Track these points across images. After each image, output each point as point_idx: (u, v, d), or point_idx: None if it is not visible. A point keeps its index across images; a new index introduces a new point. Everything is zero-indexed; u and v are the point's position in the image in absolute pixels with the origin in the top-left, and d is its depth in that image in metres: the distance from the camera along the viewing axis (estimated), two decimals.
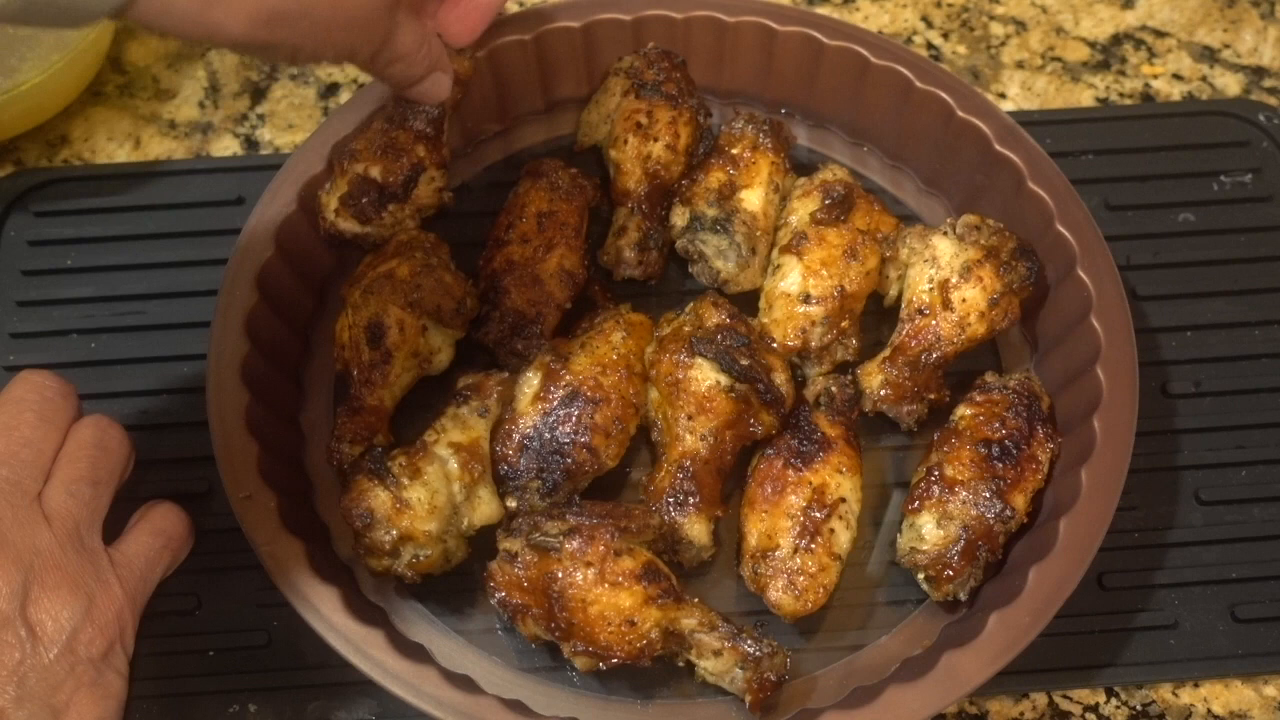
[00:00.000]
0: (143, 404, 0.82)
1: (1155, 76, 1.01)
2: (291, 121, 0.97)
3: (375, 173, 0.79)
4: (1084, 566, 0.69)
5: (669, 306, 0.83)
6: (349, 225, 0.79)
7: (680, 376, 0.75)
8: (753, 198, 0.82)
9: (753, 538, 0.73)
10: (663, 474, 0.75)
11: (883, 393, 0.78)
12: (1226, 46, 1.02)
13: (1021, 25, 1.03)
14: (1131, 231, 0.90)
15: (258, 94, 0.98)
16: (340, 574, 0.72)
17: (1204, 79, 1.01)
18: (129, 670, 0.66)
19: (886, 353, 0.79)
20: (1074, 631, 0.75)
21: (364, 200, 0.78)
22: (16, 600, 0.61)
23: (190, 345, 0.83)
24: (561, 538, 0.68)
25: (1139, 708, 0.76)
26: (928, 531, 0.73)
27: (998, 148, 0.83)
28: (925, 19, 1.04)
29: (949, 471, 0.73)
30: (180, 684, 0.73)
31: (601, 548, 0.68)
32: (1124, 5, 1.05)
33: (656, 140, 0.81)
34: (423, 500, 0.69)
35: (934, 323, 0.77)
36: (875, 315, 0.84)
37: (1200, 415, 0.83)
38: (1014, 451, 0.74)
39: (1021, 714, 0.76)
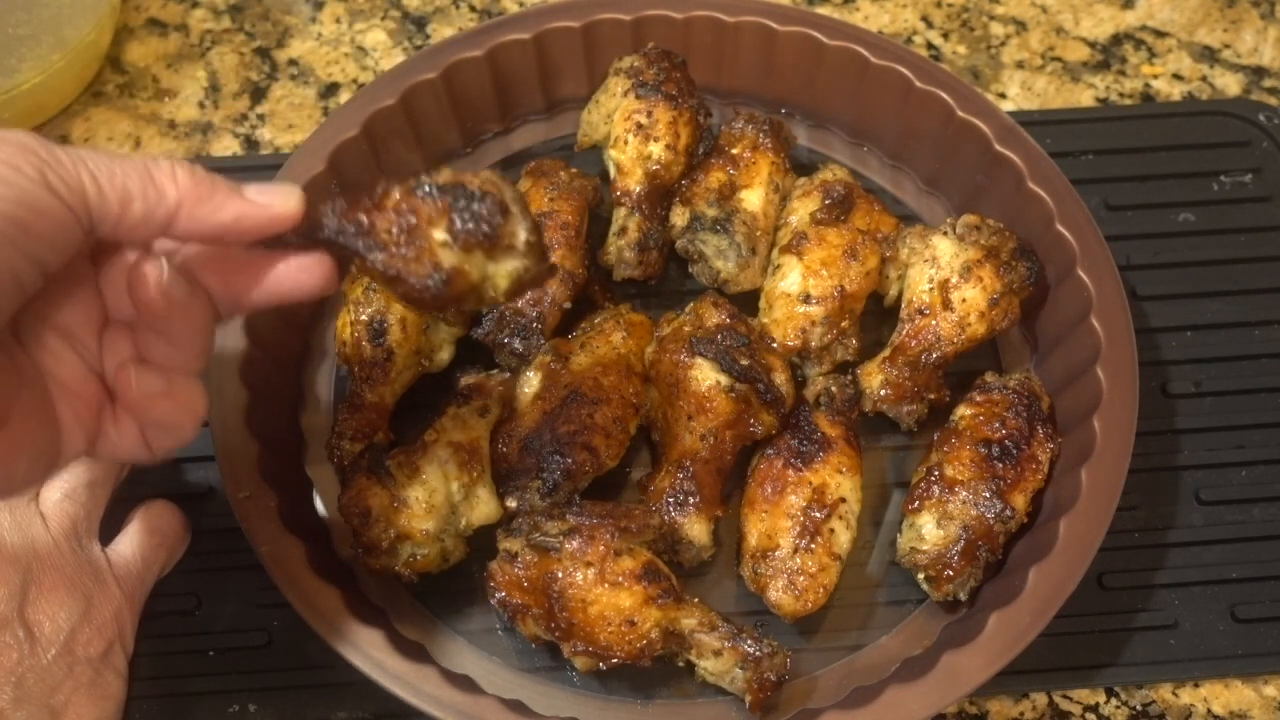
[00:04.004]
0: None
1: (1155, 76, 1.01)
2: (291, 121, 0.96)
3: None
4: (1084, 566, 0.69)
5: (669, 306, 0.83)
6: None
7: (680, 376, 0.75)
8: (753, 198, 0.82)
9: (753, 538, 0.73)
10: (663, 474, 0.75)
11: (883, 393, 0.78)
12: (1226, 46, 1.02)
13: (1021, 25, 1.03)
14: (1131, 231, 0.90)
15: (258, 94, 0.98)
16: (340, 574, 0.72)
17: (1204, 79, 1.00)
18: (128, 670, 0.66)
19: (886, 353, 0.79)
20: (1074, 631, 0.75)
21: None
22: (14, 601, 0.61)
23: None
24: (561, 538, 0.68)
25: (1139, 708, 0.76)
26: (928, 531, 0.73)
27: (998, 148, 0.83)
28: (925, 19, 1.03)
29: (949, 471, 0.73)
30: (180, 684, 0.73)
31: (601, 548, 0.68)
32: (1124, 5, 1.05)
33: (656, 140, 0.81)
34: (420, 499, 0.69)
35: (934, 323, 0.77)
36: (875, 315, 0.83)
37: (1200, 415, 0.83)
38: (1014, 451, 0.74)
39: (1021, 714, 0.75)
